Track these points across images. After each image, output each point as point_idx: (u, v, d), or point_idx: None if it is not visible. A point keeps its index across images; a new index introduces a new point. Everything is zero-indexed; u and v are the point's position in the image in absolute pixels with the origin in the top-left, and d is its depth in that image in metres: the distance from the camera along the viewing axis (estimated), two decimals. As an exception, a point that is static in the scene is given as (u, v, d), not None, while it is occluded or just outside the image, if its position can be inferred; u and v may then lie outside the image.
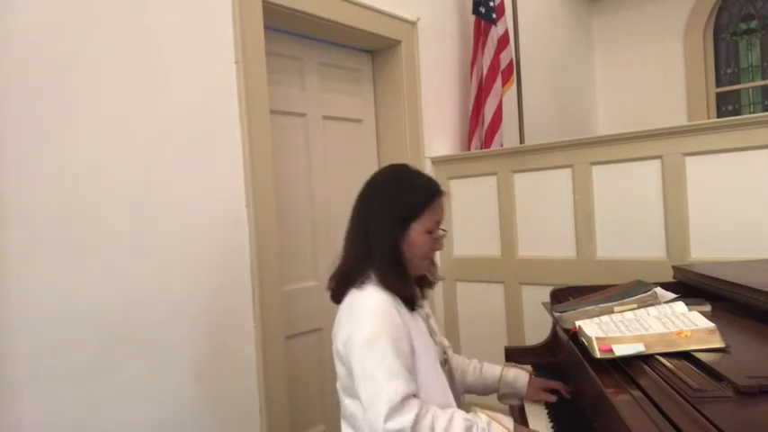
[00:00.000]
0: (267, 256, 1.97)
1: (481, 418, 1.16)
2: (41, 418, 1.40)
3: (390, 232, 1.27)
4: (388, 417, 1.07)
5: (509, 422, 1.18)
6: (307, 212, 2.43)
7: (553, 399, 1.42)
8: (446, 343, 1.44)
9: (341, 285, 1.31)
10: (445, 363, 1.38)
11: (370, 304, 1.21)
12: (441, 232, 1.32)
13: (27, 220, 1.40)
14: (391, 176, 1.36)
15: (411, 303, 1.29)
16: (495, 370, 1.53)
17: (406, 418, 1.07)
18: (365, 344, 1.16)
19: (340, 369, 1.28)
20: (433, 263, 1.41)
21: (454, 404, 1.26)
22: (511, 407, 1.58)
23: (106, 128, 1.57)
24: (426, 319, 1.38)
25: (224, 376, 1.82)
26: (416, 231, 1.28)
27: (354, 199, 1.36)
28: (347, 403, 1.27)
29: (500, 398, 1.54)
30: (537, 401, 1.45)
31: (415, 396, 1.13)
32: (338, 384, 1.31)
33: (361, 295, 1.24)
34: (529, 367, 1.61)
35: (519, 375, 1.50)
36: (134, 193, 1.62)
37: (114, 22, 1.60)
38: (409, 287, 1.30)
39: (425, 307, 1.41)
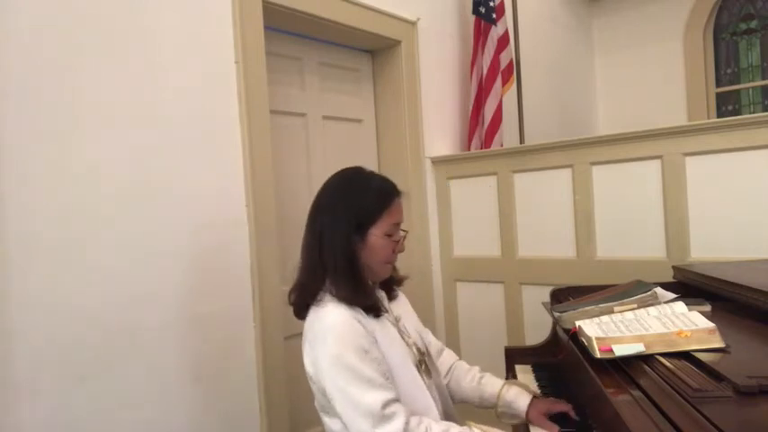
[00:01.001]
0: (267, 256, 1.97)
1: None
2: (41, 418, 1.40)
3: (345, 241, 1.21)
4: (375, 427, 1.06)
5: None
6: (307, 212, 2.42)
7: (556, 429, 1.24)
8: (428, 340, 1.40)
9: (299, 300, 1.27)
10: (421, 364, 1.32)
11: (328, 322, 1.17)
12: (401, 233, 1.29)
13: (27, 220, 1.40)
14: (344, 181, 1.31)
15: (374, 311, 1.24)
16: (495, 385, 1.42)
17: (394, 426, 1.06)
18: (332, 363, 1.13)
19: (313, 388, 1.24)
20: (393, 266, 1.35)
21: (434, 407, 1.23)
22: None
23: (106, 128, 1.57)
24: (396, 323, 1.33)
25: (224, 376, 1.82)
26: (375, 236, 1.24)
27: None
28: (328, 423, 1.24)
29: (498, 416, 1.42)
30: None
31: (396, 401, 1.11)
32: (315, 403, 1.27)
33: (320, 314, 1.19)
34: (534, 388, 1.49)
35: (519, 396, 1.36)
36: (134, 193, 1.62)
37: (114, 22, 1.60)
38: (369, 296, 1.24)
39: (394, 310, 1.36)
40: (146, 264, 1.63)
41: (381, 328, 1.24)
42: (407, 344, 1.31)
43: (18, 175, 1.39)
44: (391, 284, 1.39)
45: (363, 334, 1.17)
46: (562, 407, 1.29)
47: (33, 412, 1.39)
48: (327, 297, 1.22)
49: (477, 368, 1.49)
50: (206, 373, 1.77)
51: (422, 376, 1.27)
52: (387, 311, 1.31)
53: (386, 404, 1.08)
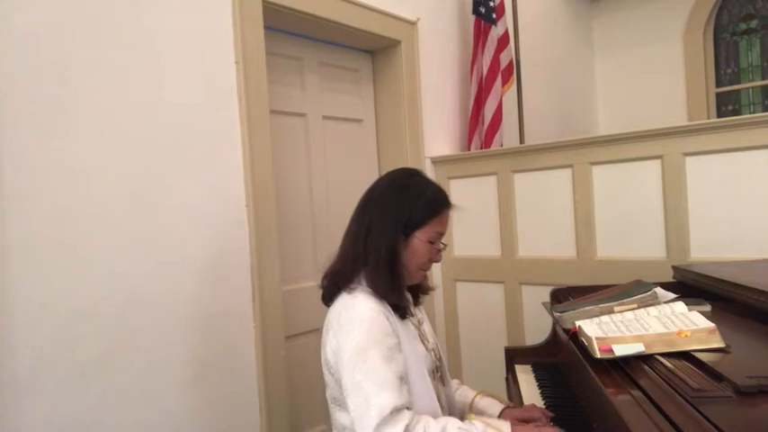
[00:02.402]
0: (267, 256, 1.97)
1: (476, 425, 1.14)
2: (41, 417, 1.40)
3: (391, 237, 1.23)
4: (378, 428, 1.06)
5: (507, 427, 1.16)
6: (307, 212, 2.43)
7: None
8: (438, 348, 1.41)
9: (331, 286, 1.27)
10: (437, 370, 1.34)
11: (359, 312, 1.17)
12: (441, 244, 1.30)
13: (27, 220, 1.40)
14: (402, 179, 1.32)
15: (401, 312, 1.26)
16: (467, 394, 1.45)
17: (397, 429, 1.06)
18: (355, 354, 1.13)
19: (329, 378, 1.24)
20: (425, 275, 1.36)
21: (440, 414, 1.23)
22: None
23: (106, 128, 1.57)
24: (419, 326, 1.34)
25: (224, 376, 1.82)
26: (419, 240, 1.25)
27: (360, 198, 1.33)
28: (337, 416, 1.25)
29: None
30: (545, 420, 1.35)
31: (407, 408, 1.11)
32: (327, 394, 1.28)
33: (351, 302, 1.20)
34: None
35: (491, 405, 1.40)
36: (134, 193, 1.62)
37: (114, 22, 1.60)
38: (400, 295, 1.26)
39: (418, 313, 1.38)
40: (146, 264, 1.63)
41: (403, 328, 1.25)
42: (426, 348, 1.32)
43: (18, 175, 1.39)
44: (419, 291, 1.40)
45: (390, 332, 1.18)
46: (534, 413, 1.30)
47: (33, 412, 1.39)
48: (360, 287, 1.23)
49: (456, 381, 1.51)
50: (206, 373, 1.77)
51: (435, 383, 1.28)
52: (412, 315, 1.33)
53: (395, 409, 1.08)
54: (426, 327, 1.39)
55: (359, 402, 1.10)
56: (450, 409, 1.38)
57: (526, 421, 1.28)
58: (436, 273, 2.77)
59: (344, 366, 1.14)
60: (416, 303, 1.40)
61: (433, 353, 1.34)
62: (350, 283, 1.24)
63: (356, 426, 1.11)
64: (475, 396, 1.44)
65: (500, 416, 1.34)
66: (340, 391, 1.18)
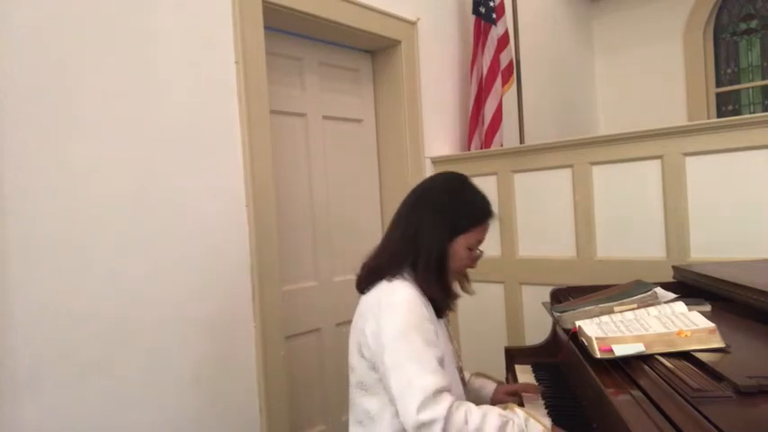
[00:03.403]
0: (267, 256, 1.97)
1: (518, 413, 1.15)
2: (42, 418, 1.40)
3: (441, 241, 1.27)
4: (421, 407, 1.06)
5: (547, 420, 1.18)
6: (307, 212, 2.43)
7: (517, 401, 1.41)
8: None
9: (370, 277, 1.29)
10: (460, 371, 1.38)
11: (400, 296, 1.20)
12: (478, 251, 1.33)
13: (27, 220, 1.40)
14: (453, 184, 1.35)
15: (442, 311, 1.29)
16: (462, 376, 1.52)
17: (439, 409, 1.07)
18: (397, 335, 1.15)
19: (358, 362, 1.26)
20: (466, 277, 1.42)
21: None
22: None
23: (106, 128, 1.57)
24: (447, 325, 1.39)
25: (224, 376, 1.83)
26: (460, 245, 1.29)
27: (407, 195, 1.36)
28: (362, 401, 1.25)
29: None
30: (533, 395, 1.44)
31: (447, 390, 1.12)
32: (353, 380, 1.28)
33: (391, 288, 1.23)
34: (496, 377, 1.61)
35: (485, 385, 1.50)
36: (134, 193, 1.62)
37: (114, 22, 1.60)
38: (446, 295, 1.30)
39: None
40: (146, 264, 1.64)
41: (440, 327, 1.28)
42: (453, 348, 1.37)
43: (18, 175, 1.39)
44: (455, 294, 1.42)
45: (429, 318, 1.21)
46: (521, 386, 1.45)
47: (33, 412, 1.39)
48: (401, 279, 1.25)
49: None
50: (206, 373, 1.77)
51: (461, 380, 1.33)
52: (447, 313, 1.37)
53: (438, 390, 1.10)
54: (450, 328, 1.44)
55: (402, 383, 1.11)
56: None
57: (517, 394, 1.43)
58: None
59: (386, 348, 1.16)
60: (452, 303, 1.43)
61: (457, 353, 1.39)
62: (388, 276, 1.26)
63: (398, 404, 1.12)
64: (470, 377, 1.51)
65: (494, 392, 1.47)
66: (373, 374, 1.20)
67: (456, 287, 1.39)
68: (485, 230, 1.33)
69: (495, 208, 1.36)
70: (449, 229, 1.27)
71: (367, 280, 1.30)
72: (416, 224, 1.28)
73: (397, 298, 1.20)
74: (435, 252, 1.26)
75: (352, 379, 1.29)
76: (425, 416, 1.06)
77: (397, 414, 1.14)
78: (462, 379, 1.40)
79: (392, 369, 1.14)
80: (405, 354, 1.13)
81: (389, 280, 1.25)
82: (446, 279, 1.29)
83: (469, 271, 1.42)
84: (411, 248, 1.27)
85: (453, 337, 1.43)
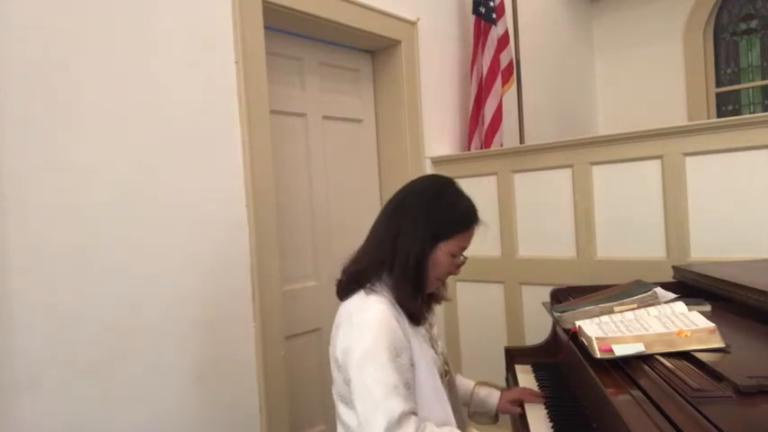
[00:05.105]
0: (267, 257, 1.97)
1: None
2: (42, 418, 1.40)
3: (420, 247, 1.22)
4: (387, 431, 1.06)
5: None
6: (307, 212, 2.43)
7: (518, 411, 1.42)
8: (446, 351, 1.43)
9: (350, 283, 1.27)
10: (446, 374, 1.35)
11: (371, 316, 1.16)
12: (462, 258, 1.30)
13: (27, 220, 1.40)
14: (435, 189, 1.30)
15: (416, 320, 1.25)
16: (467, 384, 1.52)
17: None
18: (365, 357, 1.13)
19: (336, 375, 1.25)
20: (443, 283, 1.38)
21: (452, 419, 1.24)
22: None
23: (106, 128, 1.57)
24: (429, 329, 1.35)
25: (224, 376, 1.82)
26: (442, 251, 1.25)
27: (390, 199, 1.33)
28: (342, 410, 1.25)
29: (470, 415, 1.52)
30: (537, 402, 1.43)
31: (413, 414, 1.11)
32: (333, 389, 1.28)
33: (363, 304, 1.20)
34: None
35: (491, 394, 1.49)
36: (134, 193, 1.62)
37: (114, 22, 1.60)
38: (420, 303, 1.27)
39: (429, 317, 1.39)
40: (146, 264, 1.63)
41: (415, 333, 1.25)
42: (436, 352, 1.33)
43: (18, 175, 1.39)
44: (433, 299, 1.40)
45: (400, 337, 1.17)
46: (522, 393, 1.45)
47: (33, 412, 1.39)
48: (378, 289, 1.22)
49: (458, 375, 1.54)
50: (206, 373, 1.77)
51: (444, 386, 1.29)
52: (426, 320, 1.33)
53: (403, 414, 1.09)
54: (435, 330, 1.40)
55: (367, 406, 1.10)
56: (459, 411, 1.39)
57: (519, 402, 1.44)
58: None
59: (354, 368, 1.14)
60: (428, 309, 1.40)
61: (441, 356, 1.35)
62: (369, 283, 1.24)
63: (363, 428, 1.11)
64: (474, 386, 1.52)
65: (499, 400, 1.48)
66: (347, 389, 1.18)
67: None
68: (469, 237, 1.29)
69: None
70: (429, 235, 1.23)
71: (347, 287, 1.27)
72: (396, 229, 1.24)
73: (369, 315, 1.17)
74: (413, 257, 1.22)
75: (333, 389, 1.28)
76: None
77: None
78: (450, 381, 1.37)
79: (358, 391, 1.13)
80: (372, 376, 1.11)
81: (367, 293, 1.22)
82: (422, 286, 1.26)
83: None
84: (390, 253, 1.23)
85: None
